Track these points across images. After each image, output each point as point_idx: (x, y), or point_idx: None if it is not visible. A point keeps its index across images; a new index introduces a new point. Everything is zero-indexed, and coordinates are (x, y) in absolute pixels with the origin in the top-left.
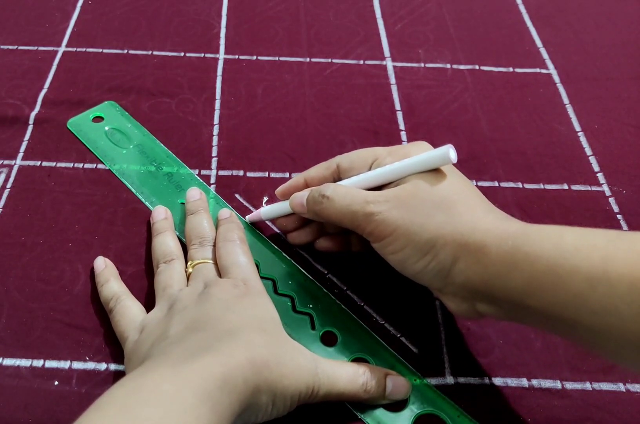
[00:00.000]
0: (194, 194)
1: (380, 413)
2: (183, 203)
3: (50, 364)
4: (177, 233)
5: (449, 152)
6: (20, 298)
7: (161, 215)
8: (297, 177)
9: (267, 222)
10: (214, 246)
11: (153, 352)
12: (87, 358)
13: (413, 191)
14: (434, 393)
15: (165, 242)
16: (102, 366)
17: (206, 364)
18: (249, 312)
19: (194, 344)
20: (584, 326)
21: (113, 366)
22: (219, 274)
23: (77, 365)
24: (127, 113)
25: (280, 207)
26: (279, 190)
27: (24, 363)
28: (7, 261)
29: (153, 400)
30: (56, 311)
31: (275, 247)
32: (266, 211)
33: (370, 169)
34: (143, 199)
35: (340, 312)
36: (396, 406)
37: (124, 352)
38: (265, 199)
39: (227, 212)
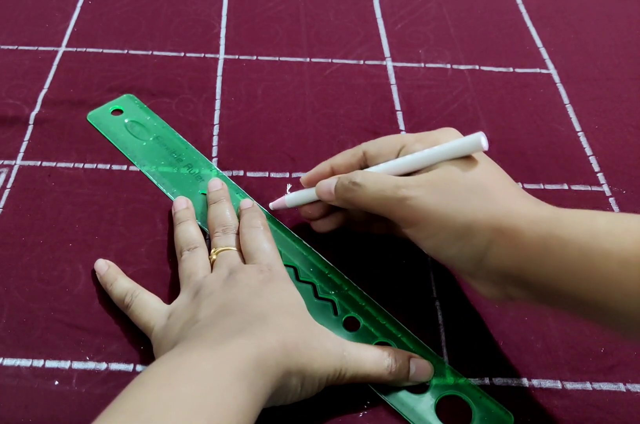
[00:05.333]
0: (216, 183)
1: (403, 394)
2: (204, 194)
3: (51, 364)
4: (199, 223)
5: (481, 139)
6: (21, 298)
7: (182, 205)
8: (323, 165)
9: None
10: (237, 234)
11: (185, 334)
12: (87, 358)
13: (446, 176)
14: (456, 375)
15: (188, 231)
16: (102, 366)
17: (241, 346)
18: (276, 297)
19: (226, 327)
20: (616, 310)
21: (113, 366)
22: (243, 261)
23: (77, 365)
24: (145, 106)
25: (305, 195)
26: (304, 178)
27: (24, 363)
28: (7, 261)
29: (194, 378)
30: (56, 311)
31: (296, 235)
32: (291, 198)
33: (398, 156)
34: (164, 190)
35: (362, 299)
36: (419, 388)
37: (151, 340)
38: (289, 186)
39: (249, 202)
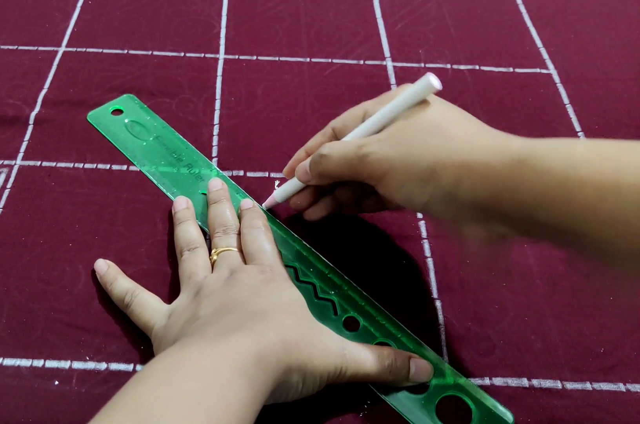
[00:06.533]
0: (216, 183)
1: (403, 395)
2: (204, 194)
3: (51, 364)
4: (199, 223)
5: (430, 79)
6: (21, 298)
7: (182, 205)
8: (298, 152)
9: (282, 210)
10: (238, 234)
11: (185, 332)
12: (87, 358)
13: (403, 125)
14: (456, 375)
15: (189, 231)
16: (102, 366)
17: (241, 342)
18: (277, 296)
19: (227, 324)
20: (593, 237)
21: (113, 366)
22: (244, 262)
23: (77, 365)
24: (145, 106)
25: (290, 185)
26: (285, 169)
27: (24, 363)
28: (7, 261)
29: (193, 374)
30: (56, 311)
31: (296, 236)
32: (278, 192)
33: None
34: (164, 190)
35: (362, 299)
36: (419, 388)
37: (151, 339)
38: (277, 183)
39: (249, 202)
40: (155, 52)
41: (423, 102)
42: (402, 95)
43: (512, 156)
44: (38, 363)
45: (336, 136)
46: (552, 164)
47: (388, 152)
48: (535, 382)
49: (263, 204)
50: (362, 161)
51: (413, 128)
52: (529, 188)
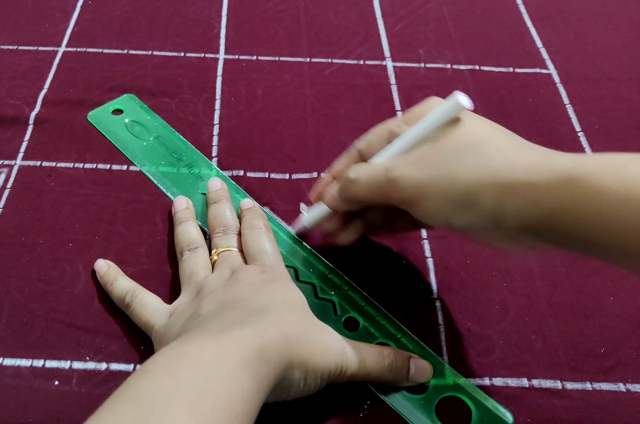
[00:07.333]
0: (216, 183)
1: (403, 395)
2: (204, 194)
3: (51, 364)
4: (199, 223)
5: (459, 99)
6: (21, 298)
7: (182, 205)
8: (325, 176)
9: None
10: (238, 234)
11: (187, 329)
12: (87, 358)
13: (433, 145)
14: (456, 375)
15: (189, 231)
16: (102, 366)
17: (243, 336)
18: (278, 294)
19: (228, 319)
20: None
21: (113, 366)
22: (244, 262)
23: (77, 365)
24: (146, 106)
25: (319, 210)
26: (312, 194)
27: (24, 363)
28: (7, 261)
29: (196, 365)
30: (56, 311)
31: (296, 237)
32: (307, 218)
33: (389, 143)
34: (164, 190)
35: (362, 299)
36: (419, 388)
37: (152, 338)
38: (302, 206)
39: (249, 202)
40: (155, 52)
41: (454, 120)
42: (428, 116)
43: (559, 174)
44: (38, 363)
45: (362, 158)
46: (606, 183)
47: (419, 175)
48: (535, 382)
49: (292, 230)
50: (393, 184)
51: (445, 148)
52: (581, 210)
